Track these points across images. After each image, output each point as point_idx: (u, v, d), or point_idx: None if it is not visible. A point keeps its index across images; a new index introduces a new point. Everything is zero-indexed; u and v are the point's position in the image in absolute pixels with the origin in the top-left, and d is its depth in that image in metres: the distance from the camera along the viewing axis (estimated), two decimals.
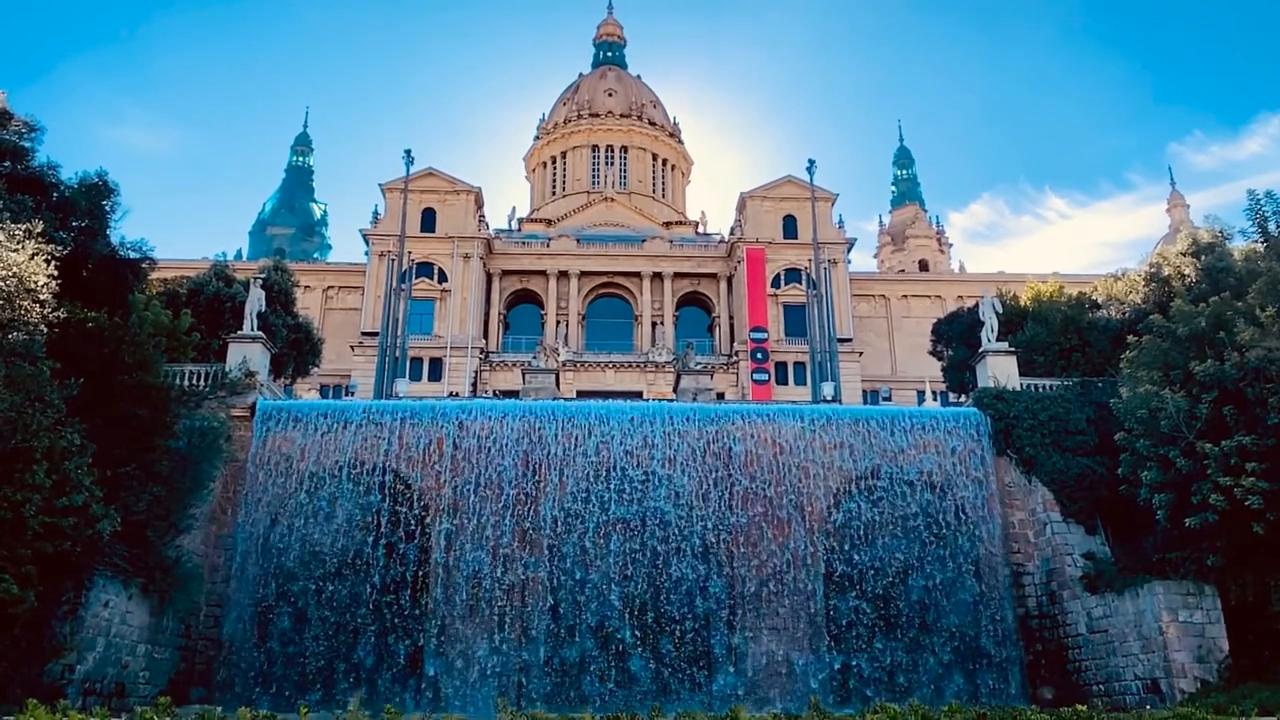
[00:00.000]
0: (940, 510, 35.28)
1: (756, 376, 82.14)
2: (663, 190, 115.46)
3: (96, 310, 30.17)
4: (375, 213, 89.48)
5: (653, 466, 35.14)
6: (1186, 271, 37.89)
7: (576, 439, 35.32)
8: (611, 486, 34.72)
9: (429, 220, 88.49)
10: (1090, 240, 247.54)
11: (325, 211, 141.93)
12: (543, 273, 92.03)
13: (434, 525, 34.00)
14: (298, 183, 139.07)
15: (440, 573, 33.35)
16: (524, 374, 46.85)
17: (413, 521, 34.19)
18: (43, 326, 25.32)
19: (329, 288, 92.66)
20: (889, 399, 67.91)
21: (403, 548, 33.84)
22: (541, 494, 34.55)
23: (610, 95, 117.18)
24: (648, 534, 34.42)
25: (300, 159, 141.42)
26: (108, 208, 32.92)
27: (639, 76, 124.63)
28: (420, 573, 33.72)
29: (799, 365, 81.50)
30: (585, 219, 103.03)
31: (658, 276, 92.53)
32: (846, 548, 34.69)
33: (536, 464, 34.92)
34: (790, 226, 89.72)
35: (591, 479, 34.94)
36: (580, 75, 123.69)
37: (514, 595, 33.12)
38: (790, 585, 33.75)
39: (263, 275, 43.44)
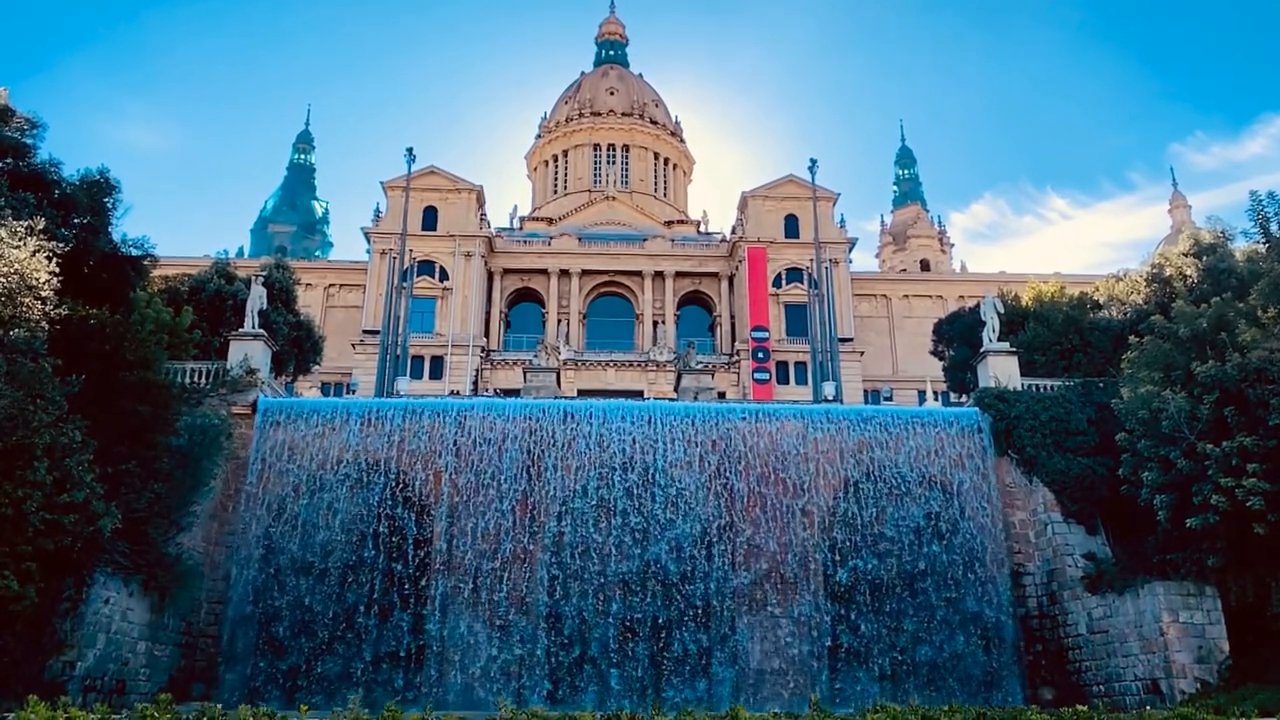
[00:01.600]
0: (949, 564, 34.31)
1: (758, 376, 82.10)
2: (664, 189, 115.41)
3: (98, 307, 30.22)
4: (377, 211, 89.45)
5: (654, 509, 33.91)
6: (1188, 272, 37.90)
7: (576, 471, 34.34)
8: (611, 539, 33.40)
9: (430, 218, 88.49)
10: (1092, 240, 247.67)
11: (327, 209, 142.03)
12: (544, 271, 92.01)
13: (435, 522, 33.90)
14: (299, 180, 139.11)
15: (435, 646, 32.18)
16: (525, 372, 46.89)
17: (412, 519, 33.97)
18: (44, 323, 25.35)
19: (330, 285, 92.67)
20: (890, 399, 67.80)
21: (402, 545, 33.40)
22: (539, 547, 33.36)
23: (612, 94, 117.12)
24: (649, 596, 32.99)
25: (302, 156, 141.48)
26: (109, 205, 32.90)
27: (641, 75, 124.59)
28: (419, 586, 32.95)
29: (800, 365, 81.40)
30: (587, 218, 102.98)
31: (659, 275, 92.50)
32: (854, 615, 33.43)
33: (535, 507, 33.83)
34: (792, 226, 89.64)
35: (591, 526, 33.67)
36: (582, 74, 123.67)
37: (510, 674, 31.81)
38: (796, 662, 32.65)
39: (264, 273, 43.51)
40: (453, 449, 34.75)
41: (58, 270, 26.01)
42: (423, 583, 33.22)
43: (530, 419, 35.38)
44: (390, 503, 34.06)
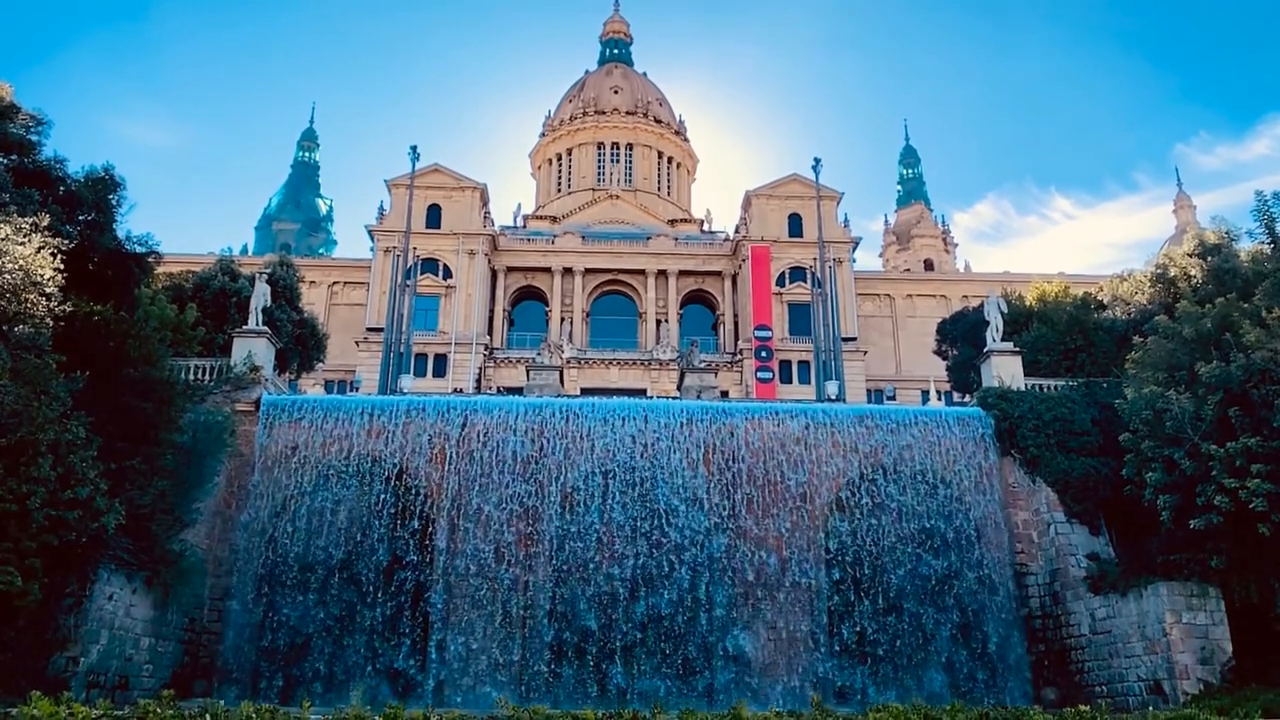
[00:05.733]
0: (951, 564, 34.00)
1: (761, 375, 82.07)
2: (668, 188, 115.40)
3: (102, 304, 30.29)
4: (381, 209, 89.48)
5: (657, 507, 33.32)
6: (1192, 272, 37.83)
7: (578, 468, 33.98)
8: (613, 534, 32.82)
9: (434, 216, 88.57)
10: (1096, 241, 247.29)
11: (331, 207, 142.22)
12: (547, 269, 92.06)
13: (437, 519, 33.91)
14: (303, 178, 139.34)
15: (437, 642, 32.03)
16: (528, 370, 46.88)
17: (415, 516, 33.92)
18: (49, 320, 25.37)
19: (334, 283, 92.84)
20: (893, 398, 67.69)
21: (404, 542, 33.42)
22: (541, 543, 32.88)
23: (616, 93, 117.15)
24: (653, 593, 32.39)
25: (306, 154, 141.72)
26: (114, 201, 32.96)
27: (645, 74, 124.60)
28: (421, 579, 32.87)
29: (803, 364, 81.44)
30: (590, 216, 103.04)
31: (662, 274, 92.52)
32: (855, 612, 33.15)
33: (537, 504, 33.34)
34: (795, 225, 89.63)
35: (595, 520, 33.05)
36: (586, 72, 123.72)
37: (513, 670, 31.45)
38: (799, 658, 32.32)
39: (268, 270, 43.60)
40: (455, 446, 34.75)
41: (62, 267, 26.05)
42: (425, 579, 33.22)
43: (533, 417, 35.36)
44: (393, 499, 34.08)
